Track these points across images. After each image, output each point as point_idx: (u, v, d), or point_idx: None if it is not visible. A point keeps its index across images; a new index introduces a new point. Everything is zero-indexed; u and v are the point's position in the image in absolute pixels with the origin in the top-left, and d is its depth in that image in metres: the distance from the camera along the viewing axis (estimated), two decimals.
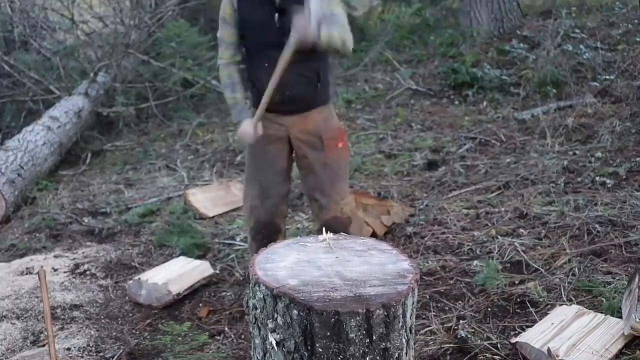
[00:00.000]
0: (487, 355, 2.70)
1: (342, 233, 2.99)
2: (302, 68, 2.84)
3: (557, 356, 2.47)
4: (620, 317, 2.70)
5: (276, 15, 2.80)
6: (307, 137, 3.01)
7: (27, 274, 3.90)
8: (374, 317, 1.69)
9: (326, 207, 3.06)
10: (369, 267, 1.89)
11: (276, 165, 3.06)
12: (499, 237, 3.74)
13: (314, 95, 2.97)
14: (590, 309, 2.82)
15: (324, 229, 2.18)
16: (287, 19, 2.68)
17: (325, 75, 3.00)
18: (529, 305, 3.02)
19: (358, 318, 1.67)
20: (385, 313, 1.70)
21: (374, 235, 3.86)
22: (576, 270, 3.25)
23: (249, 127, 2.90)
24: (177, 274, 3.57)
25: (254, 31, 2.88)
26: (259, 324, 1.82)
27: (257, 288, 1.80)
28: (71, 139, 6.50)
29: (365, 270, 1.87)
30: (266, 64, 2.82)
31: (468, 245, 3.72)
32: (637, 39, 6.74)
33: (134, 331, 3.27)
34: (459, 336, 2.84)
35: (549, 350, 2.50)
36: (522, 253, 3.51)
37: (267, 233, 3.11)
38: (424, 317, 3.04)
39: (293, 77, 2.82)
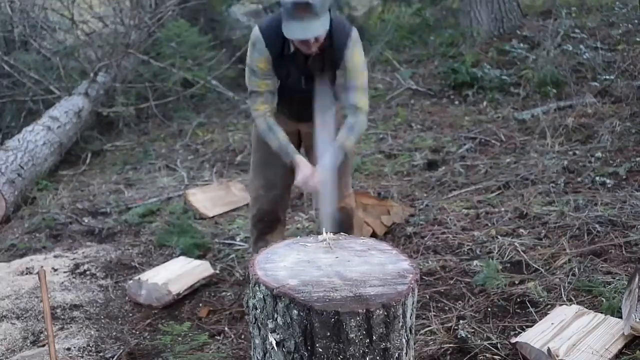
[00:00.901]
0: (487, 355, 2.71)
1: (346, 222, 3.09)
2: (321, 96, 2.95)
3: (557, 356, 2.47)
4: (620, 317, 2.70)
5: (303, 78, 2.89)
6: None
7: (27, 274, 3.90)
8: (374, 317, 1.69)
9: None
10: (369, 267, 1.89)
11: (282, 158, 3.09)
12: (499, 237, 3.74)
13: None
14: (590, 309, 2.82)
15: (324, 229, 2.18)
16: (313, 81, 2.85)
17: (340, 92, 3.07)
18: (529, 305, 3.02)
19: (358, 318, 1.67)
20: (385, 313, 1.70)
21: (374, 235, 3.86)
22: (576, 270, 3.25)
23: (310, 171, 2.86)
24: (177, 274, 3.57)
25: (283, 88, 2.98)
26: (259, 324, 1.82)
27: (257, 288, 1.80)
28: (71, 139, 6.50)
29: (365, 270, 1.88)
30: (292, 102, 3.01)
31: (468, 245, 3.72)
32: (637, 39, 6.74)
33: (134, 331, 3.27)
34: (459, 336, 2.84)
35: (549, 350, 2.50)
36: (522, 253, 3.51)
37: (268, 222, 3.22)
38: (424, 317, 3.04)
39: (310, 109, 2.91)
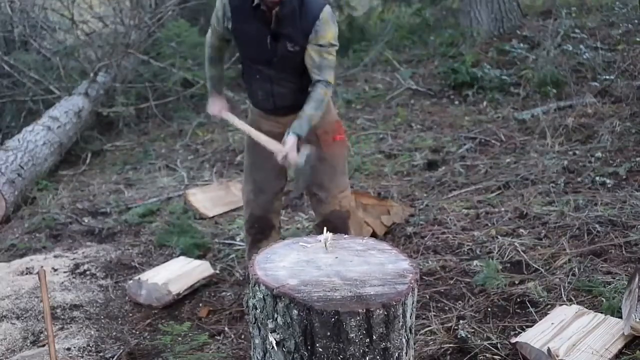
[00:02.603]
0: (487, 355, 2.71)
1: (341, 227, 3.06)
2: (291, 82, 2.92)
3: (557, 356, 2.47)
4: (620, 317, 2.70)
5: (269, 37, 2.84)
6: None
7: (27, 274, 3.90)
8: (374, 317, 1.69)
9: (325, 201, 3.08)
10: (369, 267, 1.89)
11: (271, 161, 3.01)
12: (499, 237, 3.74)
13: (304, 102, 2.97)
14: (590, 309, 2.82)
15: (324, 228, 2.18)
16: (280, 44, 2.81)
17: None
18: (529, 305, 3.02)
19: (358, 318, 1.67)
20: (385, 313, 1.70)
21: (374, 235, 3.86)
22: (576, 270, 3.25)
23: (216, 105, 3.16)
24: (177, 274, 3.57)
25: (245, 46, 2.96)
26: (259, 324, 1.82)
27: (257, 288, 1.80)
28: (71, 139, 6.50)
29: (365, 270, 1.88)
30: (257, 77, 2.97)
31: (468, 245, 3.72)
32: (637, 39, 6.74)
33: (134, 331, 3.27)
34: (459, 336, 2.84)
35: (549, 350, 2.50)
36: (522, 253, 3.51)
37: (260, 228, 3.18)
38: (424, 317, 3.04)
39: (282, 90, 2.93)
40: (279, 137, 3.02)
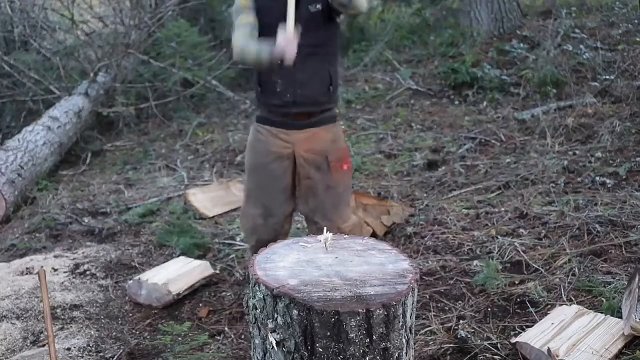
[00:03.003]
0: (487, 355, 2.71)
1: None
2: (316, 67, 2.79)
3: (557, 356, 2.47)
4: (620, 317, 2.70)
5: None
6: (313, 157, 2.90)
7: (27, 274, 3.90)
8: (374, 317, 1.69)
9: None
10: (369, 267, 1.89)
11: (280, 183, 2.95)
12: (499, 237, 3.74)
13: (326, 99, 2.89)
14: (590, 309, 2.82)
15: (325, 228, 2.17)
16: (302, 7, 2.67)
17: (336, 79, 2.93)
18: (529, 305, 3.02)
19: (358, 318, 1.67)
20: (385, 313, 1.70)
21: (374, 235, 3.86)
22: (576, 270, 3.25)
23: (287, 37, 2.57)
24: (177, 274, 3.57)
25: (266, 20, 2.78)
26: (259, 324, 1.82)
27: (257, 288, 1.80)
28: (71, 139, 6.50)
29: (365, 270, 1.87)
30: (279, 73, 2.77)
31: (468, 245, 3.72)
32: (637, 39, 6.74)
33: (134, 331, 3.27)
34: (459, 336, 2.84)
35: (549, 350, 2.50)
36: (522, 253, 3.51)
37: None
38: (424, 317, 3.04)
39: (306, 75, 2.77)
40: (287, 159, 2.91)
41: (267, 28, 2.74)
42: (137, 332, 3.25)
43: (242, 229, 3.21)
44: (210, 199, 4.87)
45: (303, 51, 2.62)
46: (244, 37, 2.76)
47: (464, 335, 2.83)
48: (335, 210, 2.97)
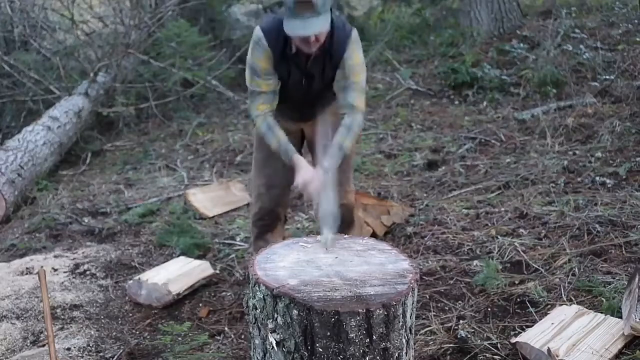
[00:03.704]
0: (487, 355, 2.70)
1: (348, 217, 3.13)
2: (325, 91, 3.01)
3: (557, 356, 2.47)
4: (620, 317, 2.70)
5: (304, 79, 2.91)
6: (322, 130, 3.05)
7: (27, 274, 3.90)
8: (374, 317, 1.69)
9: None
10: (369, 267, 1.89)
11: None
12: (499, 237, 3.74)
13: (331, 100, 3.08)
14: (590, 309, 2.82)
15: (325, 232, 2.17)
16: (315, 81, 2.91)
17: None
18: (529, 305, 3.02)
19: (358, 318, 1.67)
20: (385, 313, 1.70)
21: (374, 235, 3.86)
22: (576, 270, 3.25)
23: (311, 174, 2.77)
24: (177, 274, 3.57)
25: (284, 88, 2.98)
26: (259, 324, 1.82)
27: (257, 288, 1.80)
28: (71, 139, 6.50)
29: (365, 270, 1.88)
30: (293, 102, 3.02)
31: (468, 245, 3.72)
32: (637, 39, 6.75)
33: (134, 331, 3.27)
34: (459, 336, 2.84)
35: (549, 350, 2.50)
36: (522, 253, 3.51)
37: (268, 220, 3.25)
38: (424, 317, 3.04)
39: (313, 101, 2.99)
40: (294, 133, 3.12)
41: (286, 90, 2.98)
42: (137, 332, 3.25)
43: (251, 197, 3.47)
44: (210, 199, 4.87)
45: (311, 101, 2.99)
46: (264, 116, 2.92)
47: (464, 335, 2.83)
48: (346, 177, 3.16)
